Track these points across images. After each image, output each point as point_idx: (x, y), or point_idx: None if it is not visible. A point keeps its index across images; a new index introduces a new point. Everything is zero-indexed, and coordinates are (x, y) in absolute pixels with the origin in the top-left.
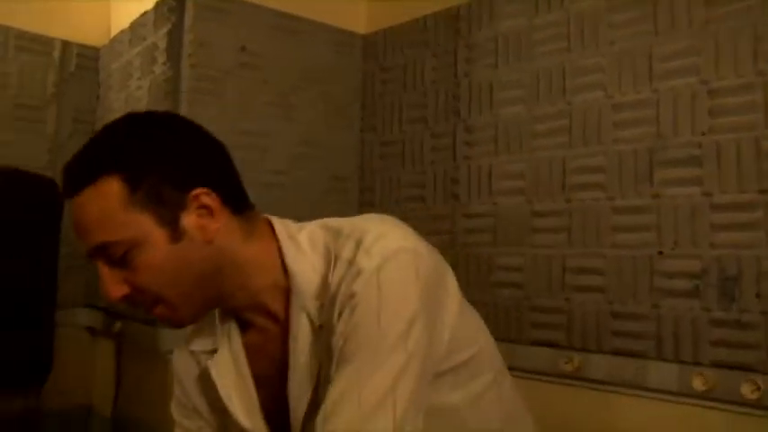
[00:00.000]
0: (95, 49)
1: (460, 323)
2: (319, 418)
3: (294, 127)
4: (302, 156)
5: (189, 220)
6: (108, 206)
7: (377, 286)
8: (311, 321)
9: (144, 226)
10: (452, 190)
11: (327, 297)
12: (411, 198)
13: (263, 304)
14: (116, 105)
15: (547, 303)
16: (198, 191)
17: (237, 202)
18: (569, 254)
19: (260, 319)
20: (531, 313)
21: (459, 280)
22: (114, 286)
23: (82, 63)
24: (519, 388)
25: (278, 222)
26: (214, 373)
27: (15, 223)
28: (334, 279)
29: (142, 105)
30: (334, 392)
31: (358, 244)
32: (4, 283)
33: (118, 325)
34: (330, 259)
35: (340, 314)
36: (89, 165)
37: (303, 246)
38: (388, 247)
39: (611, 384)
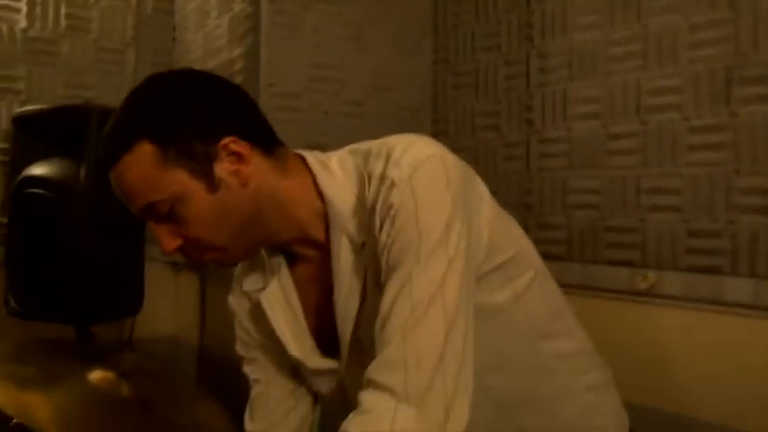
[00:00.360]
0: None
1: (497, 228)
2: (377, 326)
3: (368, 59)
4: (377, 87)
5: (222, 168)
6: (145, 169)
7: (411, 194)
8: (351, 241)
9: (181, 181)
10: (527, 117)
11: (365, 214)
12: (485, 127)
13: (307, 234)
14: (194, 45)
15: (622, 223)
16: (226, 140)
17: (267, 142)
18: (644, 174)
19: (306, 249)
20: (606, 234)
21: (534, 204)
22: (167, 240)
23: (158, 6)
24: (595, 307)
25: (309, 154)
26: (265, 306)
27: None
28: (369, 196)
29: (222, 43)
30: (386, 299)
31: (387, 159)
32: (98, 220)
33: None
34: (363, 178)
35: (380, 227)
36: (121, 134)
37: (335, 171)
38: (416, 157)
39: (686, 301)
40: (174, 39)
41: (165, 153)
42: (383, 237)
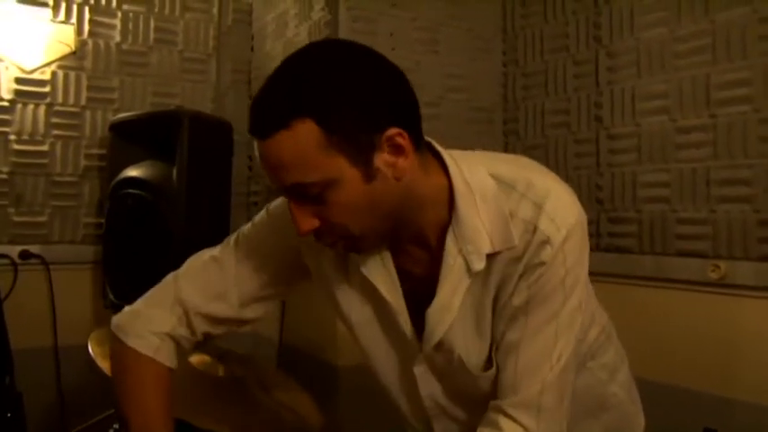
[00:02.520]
0: (248, 3)
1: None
2: (500, 354)
3: (441, 62)
4: (450, 89)
5: (381, 159)
6: (304, 150)
7: (563, 261)
8: (467, 264)
9: (339, 167)
10: (596, 114)
11: (504, 253)
12: (555, 125)
13: (424, 237)
14: (273, 53)
15: (693, 215)
16: (391, 131)
17: (419, 137)
18: (714, 166)
19: (414, 248)
20: (677, 225)
21: (604, 199)
22: (305, 221)
23: (237, 17)
24: (668, 298)
25: (447, 157)
26: (358, 258)
27: (202, 163)
28: (516, 239)
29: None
30: (519, 337)
31: (538, 207)
32: (189, 218)
33: None
34: (503, 216)
35: (522, 275)
36: (281, 107)
37: (475, 194)
38: (569, 219)
39: (758, 290)
40: (251, 48)
41: (328, 137)
42: (523, 283)
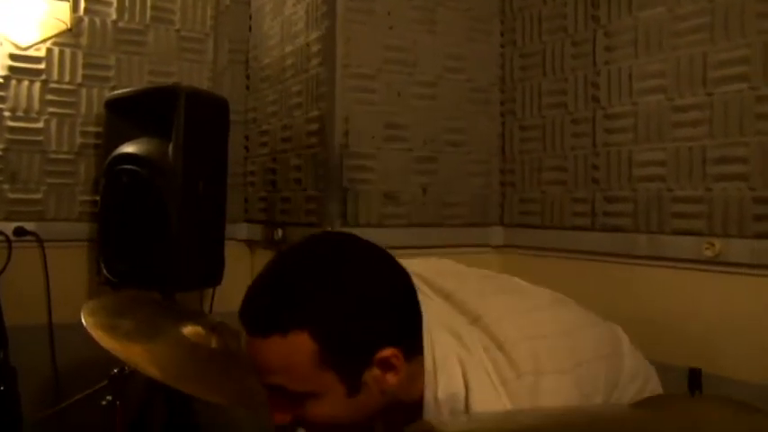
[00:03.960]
0: None
1: None
2: None
3: (438, 42)
4: (447, 69)
5: (370, 375)
6: (295, 361)
7: None
8: None
9: (326, 382)
10: (593, 93)
11: None
12: (552, 105)
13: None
14: (271, 32)
15: (688, 193)
16: (386, 352)
17: (413, 350)
18: (710, 145)
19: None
20: (672, 204)
21: (600, 178)
22: (280, 415)
23: None
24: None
25: (428, 370)
26: None
27: (198, 139)
28: None
29: (299, 28)
30: None
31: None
32: (185, 196)
33: (279, 232)
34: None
35: None
36: (279, 312)
37: (443, 412)
38: None
39: (753, 267)
40: (249, 28)
41: (323, 355)
42: None
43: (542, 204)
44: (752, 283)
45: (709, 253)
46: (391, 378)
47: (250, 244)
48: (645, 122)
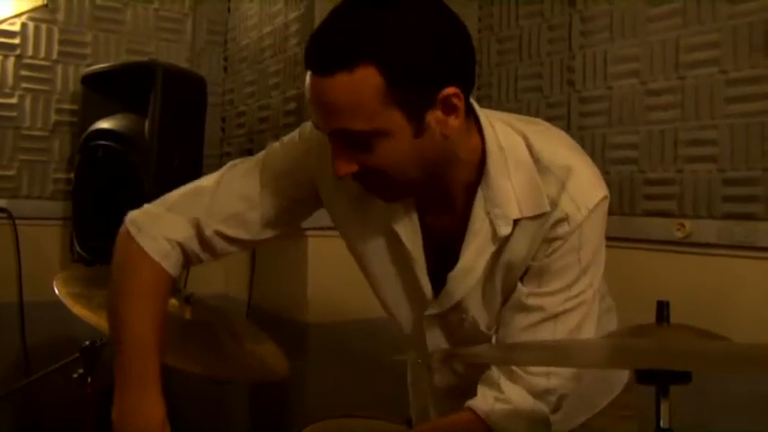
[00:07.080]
0: None
1: None
2: (505, 309)
3: None
4: None
5: (434, 116)
6: (362, 97)
7: (579, 237)
8: (494, 228)
9: (393, 120)
10: (568, 78)
11: (526, 221)
12: (528, 89)
13: (450, 196)
14: (250, 13)
15: (660, 175)
16: (449, 91)
17: (469, 104)
18: (682, 128)
19: (439, 207)
20: (644, 186)
21: None
22: (344, 165)
23: None
24: (635, 257)
25: (484, 119)
26: (383, 205)
27: (175, 116)
28: (547, 205)
29: (278, 8)
30: (520, 296)
31: (561, 185)
32: (160, 171)
33: None
34: (535, 183)
35: (539, 248)
36: (348, 47)
37: (508, 159)
38: (590, 199)
39: (722, 247)
40: (228, 9)
41: (389, 89)
42: (540, 255)
43: None
44: (720, 263)
45: (679, 234)
46: (453, 121)
47: None
48: (618, 106)
